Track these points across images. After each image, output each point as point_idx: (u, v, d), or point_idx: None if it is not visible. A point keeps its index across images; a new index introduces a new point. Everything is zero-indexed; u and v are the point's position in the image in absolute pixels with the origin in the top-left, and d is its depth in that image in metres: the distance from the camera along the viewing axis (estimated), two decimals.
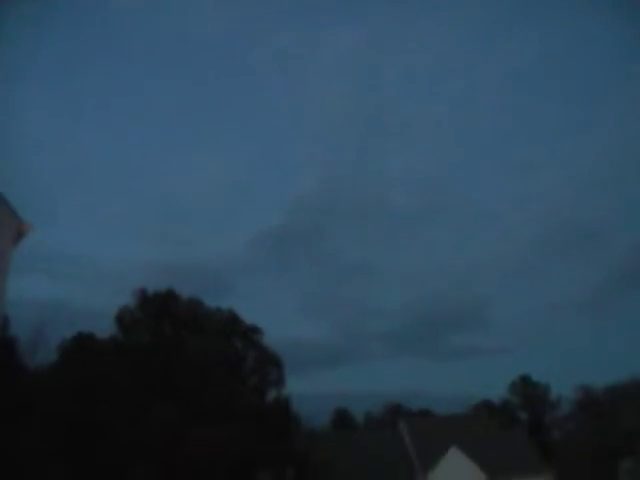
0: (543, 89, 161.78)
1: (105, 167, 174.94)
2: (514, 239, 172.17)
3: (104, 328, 49.77)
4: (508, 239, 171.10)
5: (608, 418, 60.33)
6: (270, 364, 52.33)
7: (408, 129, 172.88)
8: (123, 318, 49.16)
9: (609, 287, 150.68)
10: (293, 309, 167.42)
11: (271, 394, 52.74)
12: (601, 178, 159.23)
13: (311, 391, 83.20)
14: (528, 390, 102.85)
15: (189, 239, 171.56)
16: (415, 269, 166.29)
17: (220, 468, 43.51)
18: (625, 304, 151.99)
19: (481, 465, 55.49)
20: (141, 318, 49.67)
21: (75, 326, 49.87)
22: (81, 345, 47.97)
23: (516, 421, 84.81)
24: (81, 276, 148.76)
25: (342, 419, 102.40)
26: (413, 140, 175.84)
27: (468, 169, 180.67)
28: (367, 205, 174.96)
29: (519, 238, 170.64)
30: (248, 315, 53.28)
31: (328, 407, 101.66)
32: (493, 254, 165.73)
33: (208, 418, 44.35)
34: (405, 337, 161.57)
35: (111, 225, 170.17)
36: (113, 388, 43.25)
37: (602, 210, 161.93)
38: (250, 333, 52.21)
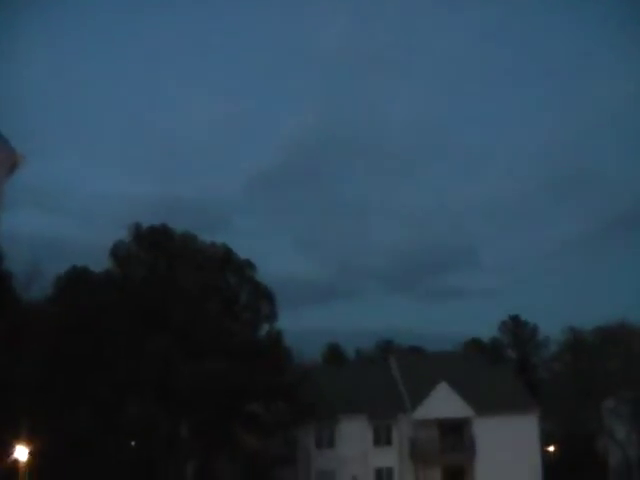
0: (549, 26, 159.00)
1: (102, 103, 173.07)
2: (510, 181, 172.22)
3: (99, 263, 50.16)
4: (504, 181, 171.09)
5: (594, 359, 61.35)
6: (263, 299, 52.82)
7: (408, 66, 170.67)
8: (118, 252, 49.36)
9: (602, 230, 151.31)
10: (287, 246, 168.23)
11: (264, 329, 53.45)
12: (602, 122, 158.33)
13: (303, 327, 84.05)
14: (517, 330, 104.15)
15: (184, 175, 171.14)
16: (410, 209, 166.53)
17: (213, 400, 44.42)
18: (618, 247, 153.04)
19: (469, 401, 56.62)
20: (136, 252, 49.89)
21: (70, 261, 50.20)
22: (76, 279, 48.29)
23: (504, 359, 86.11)
24: (76, 211, 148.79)
25: (333, 354, 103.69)
26: (413, 78, 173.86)
27: (467, 110, 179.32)
28: (364, 143, 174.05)
29: (515, 180, 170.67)
30: (242, 251, 53.55)
31: (320, 343, 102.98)
32: (489, 196, 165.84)
33: (202, 351, 45.06)
34: (398, 275, 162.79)
35: (107, 160, 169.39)
36: (108, 321, 43.77)
37: (600, 154, 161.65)
38: (244, 268, 52.51)
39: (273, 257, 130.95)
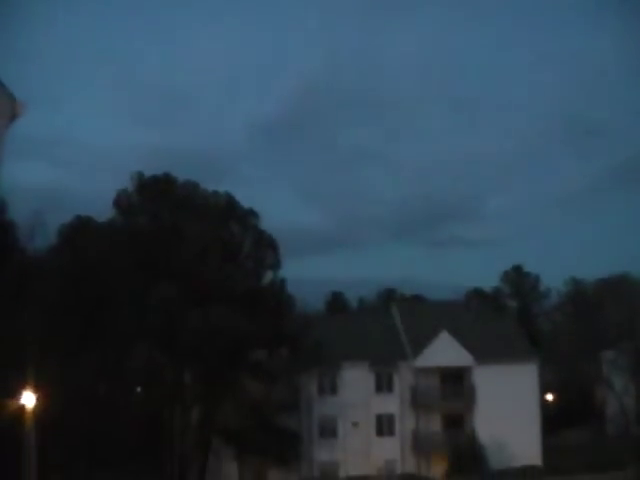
0: None
1: (105, 53, 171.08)
2: (516, 133, 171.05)
3: (102, 213, 50.22)
4: (510, 133, 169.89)
5: (595, 310, 61.65)
6: (266, 248, 52.95)
7: (411, 15, 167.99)
8: (121, 202, 49.38)
9: (607, 181, 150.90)
10: (290, 196, 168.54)
11: (267, 277, 53.72)
12: (610, 76, 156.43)
13: (307, 276, 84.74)
14: (519, 280, 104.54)
15: (188, 124, 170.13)
16: (414, 159, 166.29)
17: (217, 348, 44.91)
18: (622, 200, 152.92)
19: (469, 349, 57.20)
20: (139, 202, 49.88)
21: (73, 211, 50.27)
22: (79, 229, 48.42)
23: (506, 309, 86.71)
24: (80, 161, 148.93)
25: (336, 303, 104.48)
26: (416, 28, 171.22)
27: (470, 62, 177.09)
28: (366, 94, 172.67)
29: (521, 132, 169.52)
30: (245, 200, 53.46)
31: (323, 292, 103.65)
32: (494, 147, 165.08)
33: (205, 299, 45.38)
34: (401, 225, 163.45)
35: (110, 111, 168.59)
36: (112, 270, 44.02)
37: (605, 106, 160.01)
38: (247, 217, 52.48)
39: (276, 207, 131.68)
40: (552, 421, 61.20)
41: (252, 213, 52.78)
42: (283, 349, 52.16)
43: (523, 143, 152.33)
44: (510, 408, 55.11)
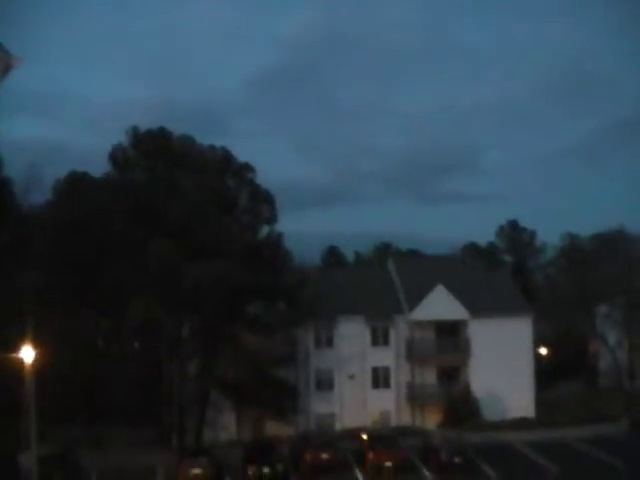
0: None
1: (102, 6, 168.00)
2: (513, 84, 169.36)
3: (98, 168, 49.94)
4: (508, 85, 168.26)
5: (590, 265, 62.00)
6: (263, 202, 52.86)
7: None
8: (116, 157, 49.07)
9: (605, 136, 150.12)
10: (288, 149, 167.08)
11: (264, 231, 53.77)
12: (610, 26, 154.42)
13: (303, 230, 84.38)
14: (515, 235, 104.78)
15: (185, 78, 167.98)
16: (412, 111, 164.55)
17: (214, 301, 45.14)
18: (619, 155, 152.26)
19: (465, 303, 57.57)
20: (134, 157, 49.57)
21: (69, 166, 50.01)
22: (75, 184, 48.19)
23: (501, 264, 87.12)
24: (75, 116, 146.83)
25: (332, 257, 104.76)
26: None
27: (470, 11, 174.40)
28: (364, 43, 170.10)
29: (518, 83, 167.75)
30: (242, 154, 53.11)
31: (319, 246, 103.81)
32: (491, 100, 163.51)
33: (202, 253, 45.46)
34: (398, 179, 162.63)
35: (105, 65, 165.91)
36: (109, 224, 43.95)
37: (606, 59, 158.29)
38: (243, 171, 52.25)
39: (273, 160, 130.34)
40: (546, 374, 61.95)
41: (248, 167, 52.55)
42: (280, 303, 52.45)
43: (523, 97, 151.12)
44: (504, 361, 55.76)
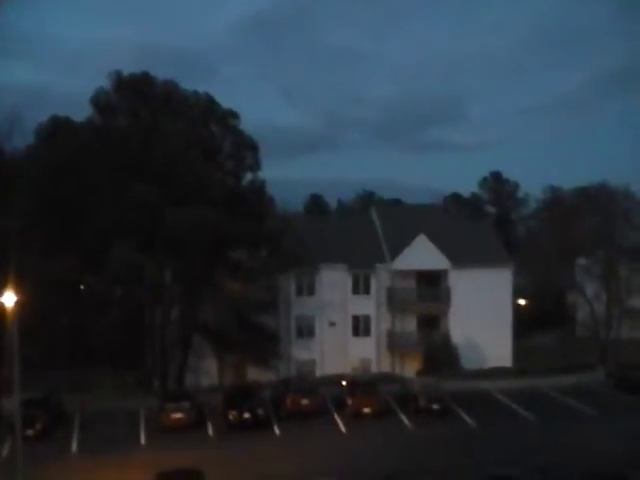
0: None
1: None
2: (502, 36, 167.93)
3: (80, 112, 49.11)
4: (496, 36, 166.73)
5: (572, 218, 62.30)
6: (247, 148, 52.47)
7: None
8: (99, 101, 48.13)
9: (590, 91, 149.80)
10: (274, 95, 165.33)
11: (247, 178, 53.48)
12: None
13: (287, 177, 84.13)
14: (497, 186, 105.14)
15: (168, 21, 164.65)
16: (399, 60, 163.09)
17: (196, 247, 45.13)
18: (604, 109, 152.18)
19: (446, 254, 57.90)
20: (117, 101, 48.75)
21: (51, 109, 49.18)
22: (57, 128, 47.48)
23: (483, 215, 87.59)
24: (58, 59, 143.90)
25: (315, 205, 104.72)
26: None
27: None
28: None
29: (507, 36, 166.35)
30: (227, 101, 52.35)
31: (303, 193, 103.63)
32: (479, 51, 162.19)
33: (185, 199, 45.26)
34: (383, 128, 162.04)
35: (88, 7, 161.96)
36: (91, 169, 43.48)
37: (594, 13, 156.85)
38: (227, 118, 51.67)
39: (259, 106, 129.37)
40: (525, 325, 62.91)
41: (232, 113, 51.96)
42: (262, 249, 52.51)
43: (510, 48, 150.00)
44: (484, 311, 56.36)
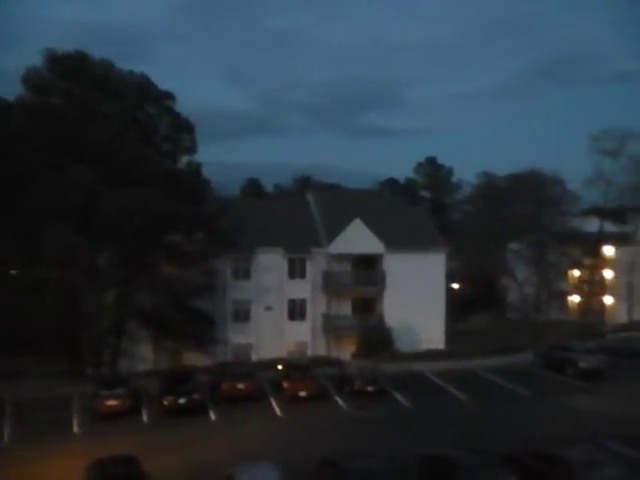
0: None
1: None
2: (442, 24, 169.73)
3: (10, 90, 47.66)
4: (436, 24, 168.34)
5: (504, 203, 63.82)
6: (183, 130, 52.03)
7: None
8: (31, 79, 46.77)
9: (525, 80, 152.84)
10: (213, 77, 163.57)
11: (183, 160, 53.00)
12: None
13: (224, 160, 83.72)
14: (432, 171, 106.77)
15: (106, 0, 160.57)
16: (340, 45, 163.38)
17: (133, 229, 44.56)
18: (538, 97, 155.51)
19: (381, 238, 58.63)
20: (50, 80, 47.44)
21: None
22: None
23: (419, 200, 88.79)
24: None
25: (253, 189, 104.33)
26: None
27: None
28: None
29: (447, 23, 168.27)
30: (165, 82, 51.88)
31: (240, 177, 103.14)
32: (418, 37, 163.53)
33: (121, 181, 44.60)
34: (322, 112, 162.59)
35: None
36: (24, 149, 42.34)
37: (533, 3, 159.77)
38: (163, 99, 51.07)
39: (199, 88, 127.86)
40: (458, 308, 64.29)
41: (168, 95, 51.43)
42: (199, 233, 52.16)
43: (449, 36, 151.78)
44: (418, 295, 57.48)
